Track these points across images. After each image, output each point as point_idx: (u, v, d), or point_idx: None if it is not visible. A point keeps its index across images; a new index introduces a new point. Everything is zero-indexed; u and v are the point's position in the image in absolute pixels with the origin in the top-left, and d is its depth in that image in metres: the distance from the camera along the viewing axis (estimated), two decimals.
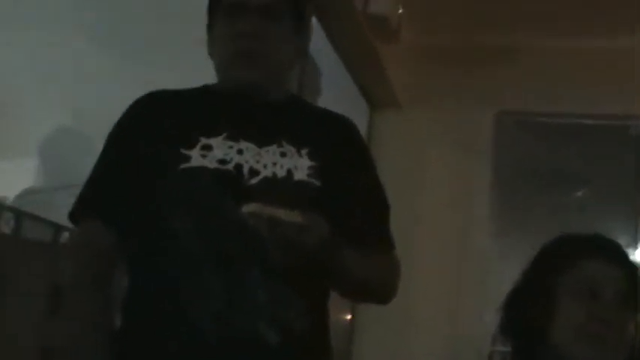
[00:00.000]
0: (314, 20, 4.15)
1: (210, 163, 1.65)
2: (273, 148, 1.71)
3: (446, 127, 5.06)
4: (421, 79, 5.08)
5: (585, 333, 1.73)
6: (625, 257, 1.86)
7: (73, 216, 1.75)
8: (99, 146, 1.84)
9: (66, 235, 2.39)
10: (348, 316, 4.92)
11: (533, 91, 4.95)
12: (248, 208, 1.50)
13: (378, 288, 1.82)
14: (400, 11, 4.38)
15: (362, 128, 5.09)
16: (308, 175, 1.69)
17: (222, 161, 1.66)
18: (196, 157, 1.65)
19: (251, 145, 1.69)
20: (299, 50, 1.86)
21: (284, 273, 1.55)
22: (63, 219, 1.79)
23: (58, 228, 2.54)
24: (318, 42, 4.27)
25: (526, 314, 1.79)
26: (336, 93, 5.41)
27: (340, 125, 1.89)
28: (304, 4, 1.86)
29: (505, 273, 4.42)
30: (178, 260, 1.58)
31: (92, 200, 1.74)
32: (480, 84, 5.03)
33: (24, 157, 3.17)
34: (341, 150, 1.79)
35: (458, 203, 5.01)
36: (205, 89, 1.85)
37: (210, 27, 1.84)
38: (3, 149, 3.13)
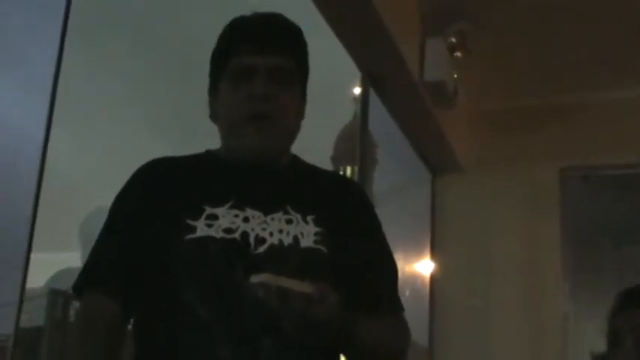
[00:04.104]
0: (372, 92, 4.21)
1: (216, 232, 1.64)
2: (279, 215, 1.69)
3: (510, 188, 5.03)
4: (481, 142, 5.08)
5: None
6: None
7: (76, 288, 1.72)
8: None
9: None
10: None
11: (595, 144, 4.90)
12: (257, 278, 1.47)
13: (389, 354, 1.78)
14: (455, 76, 4.41)
15: (425, 195, 5.18)
16: (315, 242, 1.67)
17: (228, 230, 1.65)
18: (201, 228, 1.64)
19: (257, 213, 1.68)
20: (304, 113, 1.84)
21: (295, 344, 1.54)
22: None
23: None
24: (376, 112, 4.32)
25: None
26: (397, 162, 5.44)
27: (345, 188, 1.88)
28: (308, 67, 1.84)
29: (585, 333, 4.34)
30: (187, 332, 1.58)
31: (95, 272, 1.71)
32: (541, 142, 5.01)
33: None
34: (347, 214, 1.77)
35: (529, 265, 4.94)
36: (208, 155, 1.83)
37: (213, 91, 1.81)
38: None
